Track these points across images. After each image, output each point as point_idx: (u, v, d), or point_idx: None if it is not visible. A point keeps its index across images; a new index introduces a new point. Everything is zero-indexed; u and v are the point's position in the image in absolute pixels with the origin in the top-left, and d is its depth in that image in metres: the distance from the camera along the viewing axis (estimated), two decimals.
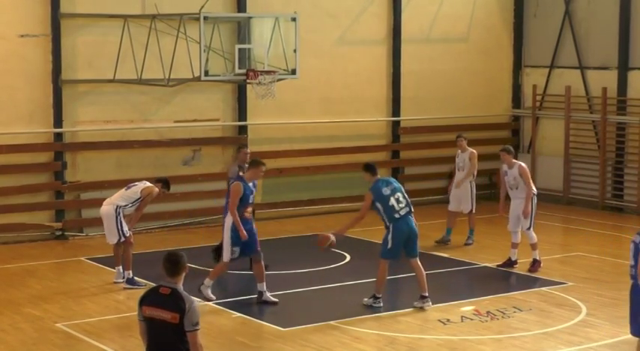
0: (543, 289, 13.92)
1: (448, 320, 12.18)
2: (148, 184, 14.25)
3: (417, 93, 21.53)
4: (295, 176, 20.11)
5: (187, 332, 6.97)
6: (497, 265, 15.28)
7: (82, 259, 16.10)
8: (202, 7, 16.42)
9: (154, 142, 18.54)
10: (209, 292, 13.04)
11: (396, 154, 21.53)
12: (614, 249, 16.74)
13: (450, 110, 21.86)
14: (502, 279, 14.82)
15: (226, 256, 12.90)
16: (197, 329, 7.00)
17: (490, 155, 19.87)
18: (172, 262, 7.13)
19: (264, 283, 12.94)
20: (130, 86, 17.85)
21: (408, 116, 21.39)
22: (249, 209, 12.92)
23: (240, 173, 13.71)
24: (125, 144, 18.27)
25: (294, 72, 16.95)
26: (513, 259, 15.14)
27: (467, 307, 12.84)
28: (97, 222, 15.37)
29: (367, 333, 11.75)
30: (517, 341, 11.33)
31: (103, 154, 18.20)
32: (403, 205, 12.60)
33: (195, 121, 18.97)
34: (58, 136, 17.73)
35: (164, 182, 14.39)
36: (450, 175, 18.24)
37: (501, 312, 12.56)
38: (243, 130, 19.48)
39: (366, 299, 12.86)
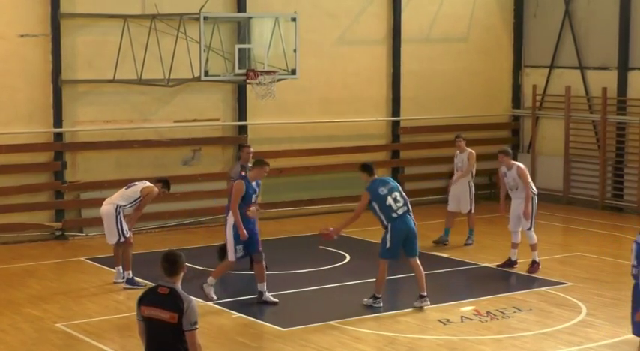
0: (543, 289, 13.92)
1: (448, 320, 12.18)
2: (148, 184, 14.25)
3: (417, 93, 21.53)
4: (295, 176, 20.11)
5: (186, 331, 6.97)
6: (497, 265, 15.28)
7: (82, 259, 16.10)
8: (202, 7, 16.42)
9: (154, 142, 18.54)
10: (211, 291, 13.03)
11: (395, 154, 21.53)
12: (614, 249, 16.74)
13: (449, 110, 21.86)
14: (502, 279, 14.82)
15: (231, 255, 12.91)
16: (195, 328, 7.00)
17: (490, 155, 19.79)
18: (170, 262, 7.13)
19: (265, 284, 12.94)
20: (130, 86, 17.85)
21: (408, 116, 21.39)
22: (252, 208, 12.92)
23: (243, 173, 13.72)
24: (125, 144, 18.27)
25: (294, 72, 16.95)
26: (513, 259, 15.14)
27: (467, 307, 12.84)
28: (97, 222, 15.38)
29: (367, 333, 11.75)
30: (517, 341, 11.33)
31: (103, 154, 18.20)
32: (401, 204, 12.60)
33: (195, 121, 18.97)
34: (58, 136, 17.73)
35: (164, 183, 14.39)
36: (450, 176, 18.22)
37: (501, 312, 12.56)
38: (243, 130, 19.48)
39: (365, 299, 12.86)
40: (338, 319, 12.15)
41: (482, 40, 22.39)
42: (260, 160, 13.10)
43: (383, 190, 12.59)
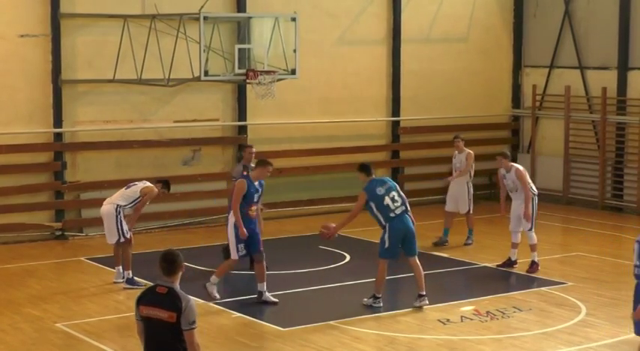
0: (543, 289, 13.92)
1: (448, 320, 12.18)
2: (148, 183, 14.24)
3: (417, 93, 21.53)
4: (295, 176, 20.11)
5: (184, 331, 6.97)
6: (497, 265, 15.28)
7: (82, 259, 16.10)
8: (202, 7, 16.42)
9: (154, 142, 18.54)
10: (214, 290, 13.03)
11: (395, 154, 21.53)
12: (614, 249, 16.74)
13: (449, 110, 21.86)
14: (502, 279, 14.82)
15: (233, 253, 12.91)
16: (194, 328, 7.00)
17: (490, 155, 19.70)
18: (169, 262, 7.13)
19: (265, 284, 12.94)
20: (130, 86, 17.85)
21: (408, 116, 21.39)
22: (254, 208, 12.93)
23: (245, 173, 13.73)
24: (125, 144, 18.27)
25: (293, 72, 16.95)
26: (513, 259, 15.14)
27: (467, 307, 12.84)
28: (97, 222, 15.38)
29: (367, 333, 11.75)
30: (517, 341, 11.33)
31: (103, 154, 18.20)
32: (399, 204, 12.60)
33: (194, 121, 18.97)
34: (58, 136, 17.73)
35: (164, 183, 14.38)
36: (449, 175, 18.19)
37: (501, 312, 12.55)
38: (242, 130, 19.48)
39: (365, 299, 12.86)
40: (338, 319, 12.15)
41: (482, 40, 22.39)
42: (263, 160, 13.12)
43: (380, 190, 12.59)
